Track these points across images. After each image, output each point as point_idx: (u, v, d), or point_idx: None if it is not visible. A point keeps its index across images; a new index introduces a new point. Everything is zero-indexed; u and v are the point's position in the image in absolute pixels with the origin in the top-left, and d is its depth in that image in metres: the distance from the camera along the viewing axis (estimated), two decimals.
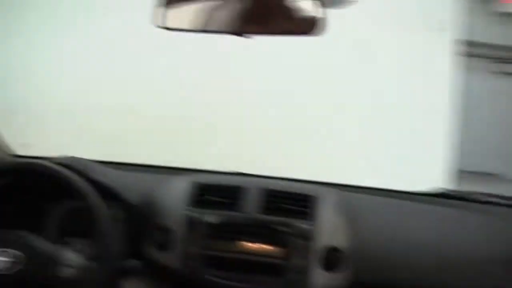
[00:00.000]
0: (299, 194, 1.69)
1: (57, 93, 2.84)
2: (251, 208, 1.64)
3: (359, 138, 2.85)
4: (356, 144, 2.85)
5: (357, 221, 1.68)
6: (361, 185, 1.97)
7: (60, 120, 2.83)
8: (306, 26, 1.28)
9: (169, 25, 1.39)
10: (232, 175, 1.97)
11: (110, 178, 1.72)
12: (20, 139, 2.14)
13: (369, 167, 2.70)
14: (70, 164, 1.65)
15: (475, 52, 4.46)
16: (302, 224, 1.60)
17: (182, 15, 1.40)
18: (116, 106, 2.82)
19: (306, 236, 1.58)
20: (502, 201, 1.83)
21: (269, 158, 2.62)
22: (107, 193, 1.66)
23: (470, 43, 3.88)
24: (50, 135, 2.66)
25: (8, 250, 1.37)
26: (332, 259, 1.58)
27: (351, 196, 1.80)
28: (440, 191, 1.92)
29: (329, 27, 1.25)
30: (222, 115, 2.84)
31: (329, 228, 1.62)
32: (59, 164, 1.58)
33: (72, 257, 1.41)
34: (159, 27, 1.40)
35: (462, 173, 3.59)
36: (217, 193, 1.69)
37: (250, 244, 1.60)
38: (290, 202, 1.66)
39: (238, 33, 1.35)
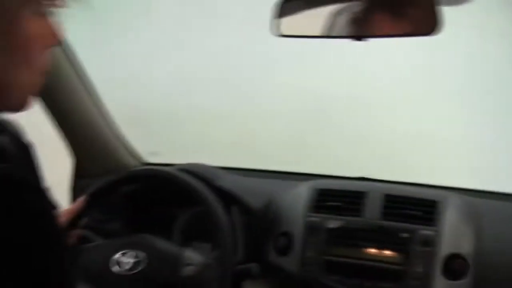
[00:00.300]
0: (422, 199, 1.67)
1: (182, 101, 2.97)
2: (372, 213, 1.65)
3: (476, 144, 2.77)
4: (472, 149, 2.78)
5: (480, 227, 1.64)
6: (483, 189, 1.91)
7: (186, 127, 2.94)
8: (424, 26, 1.27)
9: (287, 32, 1.42)
10: (353, 180, 1.99)
11: (232, 184, 1.79)
12: (149, 147, 2.26)
13: (487, 172, 2.61)
14: (195, 171, 1.73)
15: None
16: (425, 230, 1.58)
17: (299, 22, 1.43)
18: (242, 112, 2.91)
19: (429, 243, 1.56)
20: None
21: (389, 162, 2.60)
22: (229, 199, 1.73)
23: None
24: (178, 142, 2.77)
25: (132, 251, 1.46)
26: (455, 267, 1.55)
27: (473, 201, 1.75)
28: None
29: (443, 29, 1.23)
30: (345, 120, 2.85)
31: (453, 234, 1.59)
32: (185, 171, 1.66)
33: (193, 257, 1.47)
34: (277, 35, 1.43)
35: None
36: (337, 198, 1.71)
37: (369, 250, 1.60)
38: (412, 207, 1.65)
39: (356, 37, 1.36)
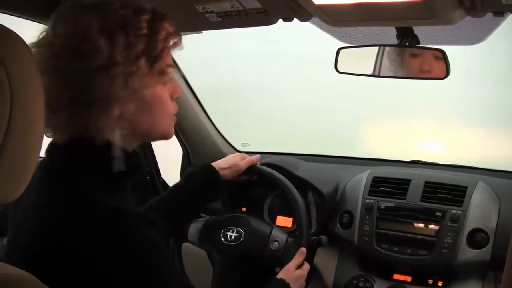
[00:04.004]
0: (454, 185, 2.04)
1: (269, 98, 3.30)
2: (414, 197, 2.04)
3: None
4: None
5: (503, 206, 1.98)
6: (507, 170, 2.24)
7: (272, 120, 3.30)
8: (439, 70, 1.69)
9: (344, 70, 1.87)
10: (405, 164, 2.41)
11: (308, 173, 2.22)
12: (240, 139, 2.69)
13: None
14: (277, 163, 2.18)
15: None
16: (454, 210, 1.96)
17: (354, 61, 1.87)
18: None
19: (456, 220, 1.93)
20: None
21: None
22: (306, 185, 2.17)
23: None
24: (265, 134, 3.10)
25: (235, 227, 1.90)
26: (477, 239, 1.91)
27: (500, 183, 2.09)
28: None
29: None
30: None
31: (477, 213, 1.95)
32: (272, 165, 2.09)
33: (278, 234, 1.88)
34: (338, 71, 1.88)
35: None
36: (388, 184, 2.11)
37: (411, 225, 1.99)
38: (446, 191, 2.02)
39: (392, 76, 1.80)
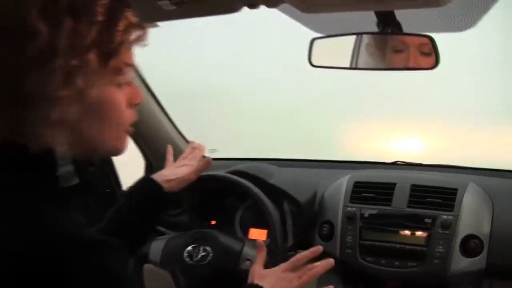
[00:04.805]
0: (443, 188, 1.90)
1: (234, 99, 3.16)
2: (400, 202, 1.89)
3: None
4: None
5: (497, 208, 1.85)
6: (502, 168, 2.11)
7: (243, 123, 3.14)
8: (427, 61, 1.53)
9: (319, 63, 1.69)
10: (388, 166, 2.25)
11: (283, 180, 2.06)
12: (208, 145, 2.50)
13: None
14: (248, 171, 2.02)
15: None
16: (445, 215, 1.81)
17: (330, 52, 1.69)
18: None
19: (448, 226, 1.79)
20: None
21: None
22: (280, 194, 2.00)
23: None
24: (232, 140, 2.95)
25: (202, 245, 1.77)
26: (471, 246, 1.77)
27: (492, 182, 1.96)
28: None
29: None
30: None
31: (470, 218, 1.82)
32: (242, 173, 1.94)
33: (250, 252, 1.73)
34: (312, 65, 1.69)
35: None
36: (371, 190, 1.96)
37: (398, 234, 1.85)
38: (435, 195, 1.88)
39: (374, 68, 1.62)
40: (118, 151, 1.07)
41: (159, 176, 1.56)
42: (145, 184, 1.56)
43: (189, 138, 2.44)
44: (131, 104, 1.05)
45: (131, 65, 1.03)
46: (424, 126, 2.94)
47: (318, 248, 1.49)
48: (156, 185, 1.54)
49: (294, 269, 1.43)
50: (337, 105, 3.01)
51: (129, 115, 1.05)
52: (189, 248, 1.78)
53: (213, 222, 2.14)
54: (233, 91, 3.10)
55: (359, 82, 2.67)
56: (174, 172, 1.61)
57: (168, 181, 1.56)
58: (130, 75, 1.04)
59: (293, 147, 2.90)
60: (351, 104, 3.01)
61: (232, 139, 2.92)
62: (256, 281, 1.38)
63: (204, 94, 3.16)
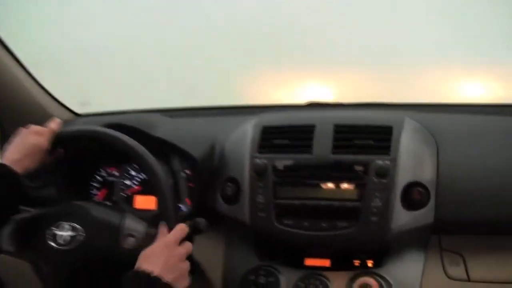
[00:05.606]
0: (374, 127, 1.57)
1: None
2: (322, 148, 1.56)
3: None
4: None
5: (442, 148, 1.56)
6: (440, 103, 1.84)
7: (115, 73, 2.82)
8: None
9: None
10: (301, 108, 1.91)
11: (171, 131, 1.72)
12: (78, 97, 2.16)
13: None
14: (127, 123, 1.67)
15: None
16: (380, 160, 1.49)
17: None
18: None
19: (384, 174, 1.48)
20: None
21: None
22: (169, 149, 1.68)
23: None
24: (108, 90, 2.64)
25: (69, 223, 1.38)
26: (414, 196, 1.48)
27: (431, 118, 1.67)
28: None
29: None
30: None
31: (410, 162, 1.51)
32: (116, 126, 1.59)
33: (133, 225, 1.39)
34: None
35: None
36: (284, 135, 1.63)
37: (323, 188, 1.53)
38: (364, 136, 1.56)
39: None
40: None
41: (6, 160, 1.41)
42: None
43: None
44: None
45: None
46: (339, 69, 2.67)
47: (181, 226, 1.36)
48: (6, 173, 1.39)
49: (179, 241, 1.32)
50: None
51: None
52: (52, 227, 1.39)
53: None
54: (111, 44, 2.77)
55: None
56: (19, 148, 1.45)
57: (18, 162, 1.42)
58: None
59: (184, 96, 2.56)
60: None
61: (116, 92, 2.56)
62: (141, 264, 1.23)
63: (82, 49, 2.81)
